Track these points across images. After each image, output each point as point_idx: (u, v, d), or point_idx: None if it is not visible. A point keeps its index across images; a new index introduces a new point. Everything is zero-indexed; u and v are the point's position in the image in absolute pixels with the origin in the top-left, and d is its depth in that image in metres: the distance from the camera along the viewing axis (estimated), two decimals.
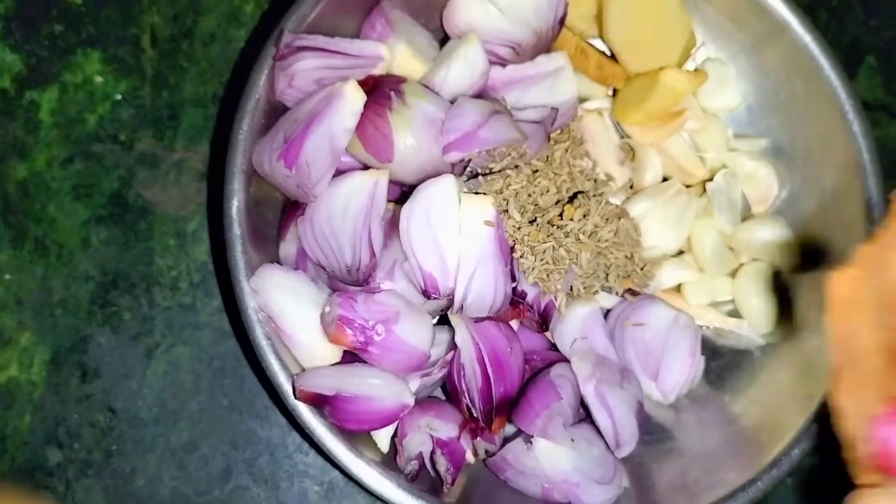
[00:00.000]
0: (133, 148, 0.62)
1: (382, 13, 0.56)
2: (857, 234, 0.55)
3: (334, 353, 0.51)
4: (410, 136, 0.51)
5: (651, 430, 0.56)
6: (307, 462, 0.59)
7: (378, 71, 0.54)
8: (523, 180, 0.53)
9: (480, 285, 0.50)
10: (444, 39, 0.58)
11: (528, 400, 0.52)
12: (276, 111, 0.53)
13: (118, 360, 0.60)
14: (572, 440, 0.52)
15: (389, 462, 0.52)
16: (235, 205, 0.50)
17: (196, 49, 0.64)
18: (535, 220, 0.53)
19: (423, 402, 0.54)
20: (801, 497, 0.61)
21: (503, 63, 0.57)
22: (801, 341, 0.57)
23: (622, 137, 0.61)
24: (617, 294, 0.56)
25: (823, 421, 0.51)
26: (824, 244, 0.58)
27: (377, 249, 0.50)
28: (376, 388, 0.50)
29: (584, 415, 0.55)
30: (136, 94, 0.63)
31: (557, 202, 0.55)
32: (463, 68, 0.54)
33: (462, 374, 0.52)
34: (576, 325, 0.55)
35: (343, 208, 0.51)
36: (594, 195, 0.56)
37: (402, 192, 0.54)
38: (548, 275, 0.53)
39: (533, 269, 0.53)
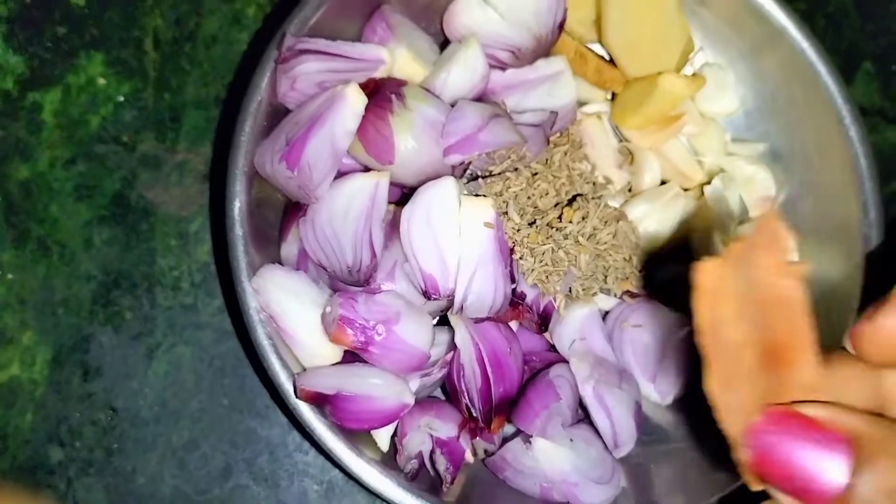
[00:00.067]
0: (135, 149, 0.62)
1: (383, 17, 0.56)
2: (854, 238, 0.55)
3: (335, 353, 0.52)
4: (411, 139, 0.51)
5: (649, 430, 0.56)
6: (307, 461, 0.60)
7: (379, 74, 0.54)
8: (523, 183, 0.54)
9: (480, 286, 0.50)
10: (444, 43, 0.58)
11: (528, 400, 0.52)
12: (277, 113, 0.53)
13: (120, 360, 0.60)
14: (571, 440, 0.52)
15: (389, 461, 0.52)
16: (237, 206, 0.51)
17: (198, 52, 0.64)
18: (534, 222, 0.54)
19: (423, 401, 0.54)
20: None
21: (503, 67, 0.57)
22: None
23: (621, 141, 0.61)
24: (615, 296, 0.56)
25: None
26: (821, 248, 0.58)
27: (378, 250, 0.51)
28: (377, 388, 0.50)
29: (583, 415, 0.55)
30: (139, 96, 0.63)
31: (556, 205, 0.55)
32: (463, 72, 0.54)
33: (462, 374, 0.52)
34: (575, 327, 0.55)
35: (344, 210, 0.51)
36: (593, 198, 0.56)
37: (402, 194, 0.54)
38: (547, 276, 0.53)
39: (532, 270, 0.53)
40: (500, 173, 0.53)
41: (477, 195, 0.52)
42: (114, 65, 0.63)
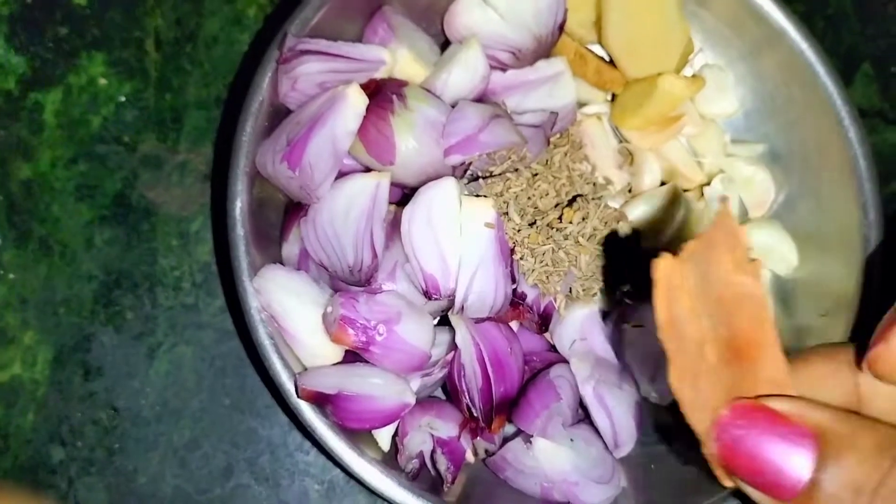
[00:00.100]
0: (136, 149, 0.63)
1: (384, 18, 0.56)
2: (853, 238, 0.55)
3: (336, 353, 0.52)
4: (412, 139, 0.51)
5: (649, 430, 0.57)
6: (308, 461, 0.60)
7: (380, 75, 0.54)
8: (523, 183, 0.54)
9: (481, 286, 0.51)
10: (444, 44, 0.58)
11: (528, 400, 0.52)
12: (278, 114, 0.53)
13: (121, 359, 0.60)
14: (571, 440, 0.52)
15: (390, 461, 0.52)
16: (239, 206, 0.51)
17: (199, 52, 0.65)
18: (534, 222, 0.54)
19: (424, 401, 0.54)
20: None
21: (503, 68, 0.57)
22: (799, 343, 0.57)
23: (621, 142, 0.61)
24: (616, 296, 0.56)
25: None
26: (821, 248, 0.59)
27: (379, 250, 0.51)
28: (378, 388, 0.50)
29: (583, 415, 0.55)
30: (140, 97, 0.63)
31: (557, 205, 0.55)
32: (464, 73, 0.54)
33: (462, 374, 0.53)
34: (575, 327, 0.55)
35: (345, 210, 0.51)
36: (593, 198, 0.56)
37: (403, 195, 0.54)
38: (547, 276, 0.53)
39: (533, 270, 0.53)
40: (500, 174, 0.53)
41: (477, 195, 0.52)
42: (115, 65, 0.64)
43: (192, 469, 0.59)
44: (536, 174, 0.55)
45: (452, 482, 0.52)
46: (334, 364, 0.52)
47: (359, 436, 0.51)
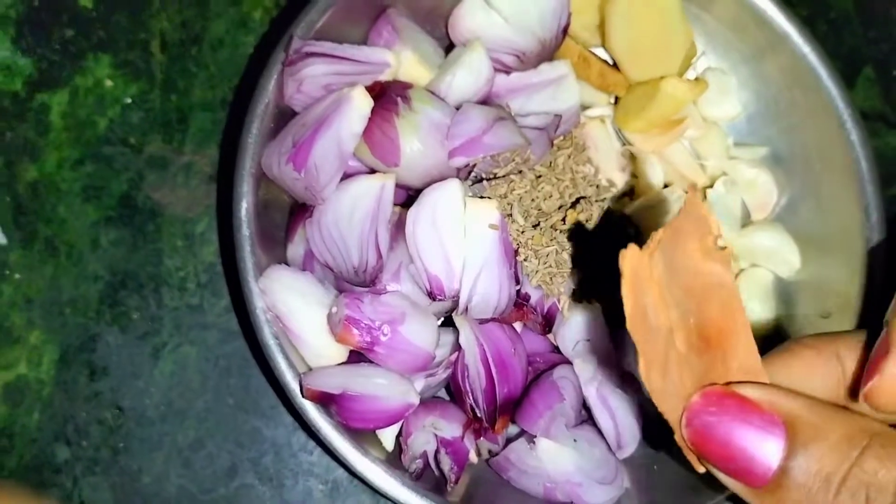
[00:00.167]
0: (142, 151, 0.63)
1: (389, 21, 0.56)
2: (855, 241, 0.55)
3: (341, 353, 0.52)
4: (417, 141, 0.51)
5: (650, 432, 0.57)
6: (312, 461, 0.60)
7: (385, 77, 0.54)
8: (527, 185, 0.54)
9: (485, 287, 0.51)
10: (449, 47, 0.59)
11: (532, 401, 0.52)
12: (284, 116, 0.53)
13: (126, 359, 0.60)
14: (574, 441, 0.52)
15: (394, 461, 0.52)
16: (244, 207, 0.51)
17: (205, 54, 0.65)
18: (538, 224, 0.54)
19: (428, 401, 0.54)
20: None
21: (507, 70, 0.57)
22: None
23: (624, 144, 0.62)
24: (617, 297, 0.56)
25: None
26: (823, 251, 0.59)
27: (383, 251, 0.51)
28: (382, 388, 0.50)
29: (587, 416, 0.55)
30: (146, 98, 0.64)
31: (560, 207, 0.55)
32: (468, 75, 0.55)
33: (466, 374, 0.53)
34: (578, 328, 0.55)
35: (350, 211, 0.51)
36: (596, 201, 0.56)
37: (408, 196, 0.55)
38: (551, 278, 0.54)
39: (536, 272, 0.53)
40: (504, 176, 0.54)
41: (482, 197, 0.52)
42: (121, 67, 0.64)
43: (197, 469, 0.59)
44: (540, 176, 0.55)
45: (456, 482, 0.52)
46: (339, 364, 0.52)
47: (363, 436, 0.52)
